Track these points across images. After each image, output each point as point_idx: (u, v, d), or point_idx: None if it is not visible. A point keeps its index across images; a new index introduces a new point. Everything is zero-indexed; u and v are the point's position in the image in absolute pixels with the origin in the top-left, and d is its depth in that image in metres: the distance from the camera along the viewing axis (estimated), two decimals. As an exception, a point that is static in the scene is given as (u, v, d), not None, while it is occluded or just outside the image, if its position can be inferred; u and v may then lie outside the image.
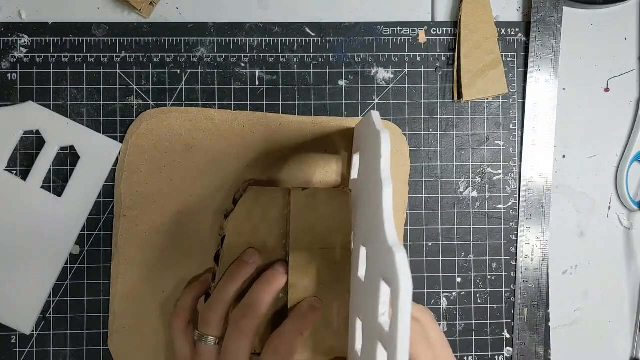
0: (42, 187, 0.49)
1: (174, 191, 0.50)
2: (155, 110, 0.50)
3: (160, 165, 0.50)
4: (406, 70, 0.52)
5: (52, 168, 0.50)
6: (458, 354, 0.51)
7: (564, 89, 0.53)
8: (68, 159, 0.50)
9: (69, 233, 0.49)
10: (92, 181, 0.50)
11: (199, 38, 0.51)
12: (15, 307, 0.49)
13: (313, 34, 0.52)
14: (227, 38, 0.51)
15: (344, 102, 0.51)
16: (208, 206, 0.50)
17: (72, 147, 0.50)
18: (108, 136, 0.50)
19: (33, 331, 0.49)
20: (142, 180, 0.50)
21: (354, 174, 0.48)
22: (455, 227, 0.52)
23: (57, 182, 0.50)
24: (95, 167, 0.50)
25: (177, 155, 0.50)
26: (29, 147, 0.50)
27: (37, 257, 0.49)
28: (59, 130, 0.50)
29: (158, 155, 0.50)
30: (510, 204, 0.52)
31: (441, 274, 0.52)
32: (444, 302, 0.52)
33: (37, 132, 0.50)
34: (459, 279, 0.51)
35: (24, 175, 0.49)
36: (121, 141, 0.50)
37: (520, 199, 0.52)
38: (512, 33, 0.53)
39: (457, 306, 0.52)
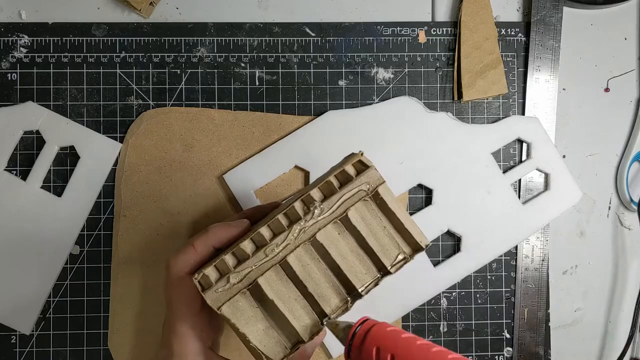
0: (42, 187, 0.49)
1: (174, 191, 0.50)
2: (155, 110, 0.50)
3: (160, 165, 0.50)
4: (406, 70, 0.52)
5: (52, 168, 0.50)
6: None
7: (564, 89, 0.53)
8: (68, 159, 0.50)
9: (69, 233, 0.49)
10: (92, 181, 0.50)
11: (199, 38, 0.51)
12: (15, 307, 0.49)
13: (313, 34, 0.52)
14: (227, 38, 0.51)
15: (344, 102, 0.51)
16: (208, 206, 0.50)
17: (72, 147, 0.50)
18: (108, 136, 0.50)
19: (33, 331, 0.49)
20: (142, 180, 0.50)
21: None
22: (455, 227, 0.52)
23: (57, 182, 0.50)
24: (95, 167, 0.50)
25: (177, 155, 0.50)
26: (29, 147, 0.50)
27: (37, 257, 0.49)
28: (59, 130, 0.50)
29: (158, 155, 0.50)
30: (510, 204, 0.52)
31: (441, 274, 0.51)
32: (444, 302, 0.52)
33: (37, 132, 0.50)
34: (459, 279, 0.51)
35: (24, 175, 0.49)
36: (121, 141, 0.50)
37: (521, 198, 0.52)
38: (512, 33, 0.53)
39: (457, 306, 0.52)
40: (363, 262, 0.38)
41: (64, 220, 0.49)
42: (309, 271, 0.37)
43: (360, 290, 0.37)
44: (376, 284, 0.38)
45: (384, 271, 0.38)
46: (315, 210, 0.37)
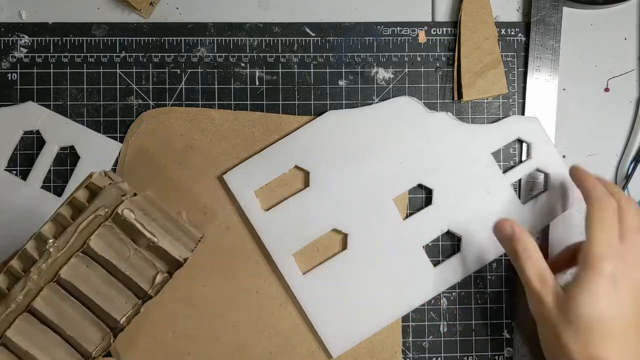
0: (42, 187, 0.49)
1: (174, 191, 0.50)
2: (156, 110, 0.50)
3: (160, 165, 0.50)
4: (406, 70, 0.52)
5: (52, 168, 0.50)
6: (458, 354, 0.51)
7: (564, 89, 0.53)
8: (68, 159, 0.50)
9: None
10: None
11: (199, 38, 0.51)
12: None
13: (313, 34, 0.52)
14: (227, 38, 0.51)
15: (344, 102, 0.51)
16: (207, 206, 0.50)
17: (72, 147, 0.50)
18: (108, 136, 0.50)
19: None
20: (142, 180, 0.50)
21: None
22: (455, 227, 0.52)
23: (57, 182, 0.50)
24: (95, 167, 0.50)
25: (177, 155, 0.50)
26: (29, 147, 0.50)
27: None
28: (59, 130, 0.50)
29: (158, 155, 0.50)
30: (510, 204, 0.52)
31: (441, 274, 0.51)
32: (444, 302, 0.52)
33: (37, 132, 0.50)
34: (459, 279, 0.51)
35: (24, 175, 0.49)
36: (121, 141, 0.50)
37: (521, 198, 0.52)
38: (512, 33, 0.53)
39: (457, 306, 0.52)
40: (121, 291, 0.35)
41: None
42: (62, 313, 0.34)
43: (121, 321, 0.35)
44: (137, 312, 0.36)
45: (144, 296, 0.36)
46: (51, 249, 0.34)
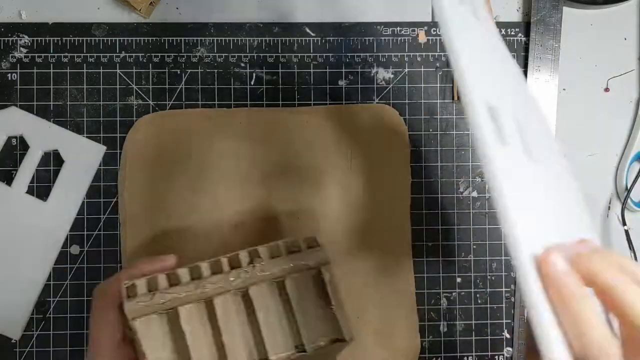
0: (27, 192, 0.49)
1: (176, 196, 0.49)
2: (152, 115, 0.50)
3: (163, 170, 0.50)
4: (406, 70, 0.52)
5: (36, 173, 0.49)
6: (458, 354, 0.51)
7: (564, 89, 0.53)
8: (52, 163, 0.50)
9: (54, 237, 0.49)
10: (76, 184, 0.49)
11: (199, 38, 0.51)
12: (3, 313, 0.48)
13: (313, 34, 0.52)
14: (227, 38, 0.51)
15: (344, 102, 0.51)
16: (211, 209, 0.50)
17: (56, 151, 0.50)
18: (108, 136, 0.50)
19: (33, 331, 0.49)
20: (146, 185, 0.49)
21: None
22: (455, 227, 0.52)
23: (42, 186, 0.50)
24: (79, 170, 0.49)
25: (178, 157, 0.50)
26: (13, 152, 0.50)
27: (23, 262, 0.49)
28: (42, 135, 0.49)
29: (159, 160, 0.50)
30: (510, 204, 0.52)
31: (441, 274, 0.52)
32: (444, 302, 0.52)
33: (21, 137, 0.49)
34: (459, 279, 0.51)
35: (9, 181, 0.49)
36: (121, 141, 0.50)
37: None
38: (512, 33, 0.53)
39: (457, 306, 0.52)
40: (283, 333, 0.37)
41: (50, 225, 0.49)
42: (229, 321, 0.37)
43: (270, 358, 0.37)
44: (288, 359, 0.37)
45: (301, 349, 0.37)
46: (257, 265, 0.37)
